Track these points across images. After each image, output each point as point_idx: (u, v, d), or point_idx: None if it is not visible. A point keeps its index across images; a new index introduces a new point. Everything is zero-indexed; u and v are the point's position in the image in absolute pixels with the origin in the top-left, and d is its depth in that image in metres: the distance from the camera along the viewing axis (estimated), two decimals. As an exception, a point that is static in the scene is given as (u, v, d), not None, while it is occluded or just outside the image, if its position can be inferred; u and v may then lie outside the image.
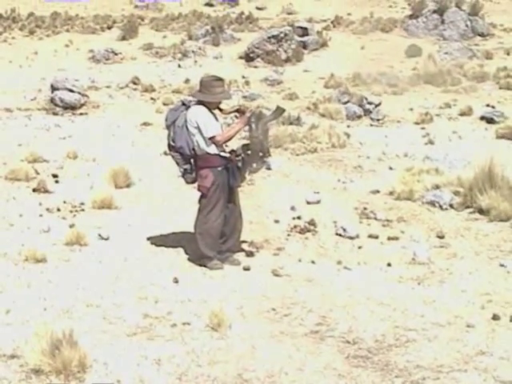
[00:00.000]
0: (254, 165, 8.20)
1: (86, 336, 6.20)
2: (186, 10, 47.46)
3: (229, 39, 33.03)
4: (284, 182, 12.25)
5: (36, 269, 8.04)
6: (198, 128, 8.00)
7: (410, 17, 37.18)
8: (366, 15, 41.68)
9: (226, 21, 41.18)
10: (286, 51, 29.12)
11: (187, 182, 8.50)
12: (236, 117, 8.41)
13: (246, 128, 8.25)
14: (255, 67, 28.28)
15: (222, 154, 8.18)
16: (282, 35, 29.41)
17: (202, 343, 6.32)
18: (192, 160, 8.23)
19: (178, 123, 8.11)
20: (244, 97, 21.88)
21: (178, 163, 8.31)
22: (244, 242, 8.91)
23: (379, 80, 24.44)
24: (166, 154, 8.47)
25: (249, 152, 8.13)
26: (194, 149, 8.10)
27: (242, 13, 44.41)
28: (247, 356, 6.10)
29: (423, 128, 17.59)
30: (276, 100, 20.39)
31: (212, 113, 8.20)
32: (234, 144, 8.77)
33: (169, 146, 8.30)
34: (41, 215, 10.14)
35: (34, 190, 11.34)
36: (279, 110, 8.37)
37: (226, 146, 8.40)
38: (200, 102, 8.17)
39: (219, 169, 8.10)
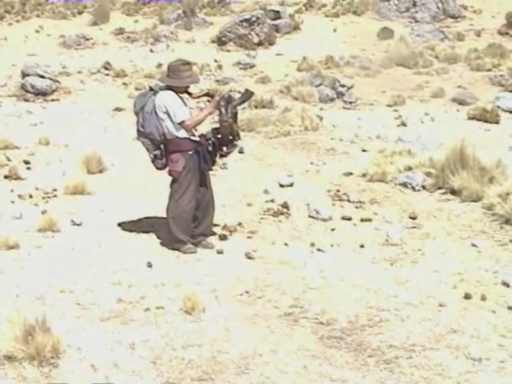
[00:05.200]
0: (225, 148, 8.21)
1: (60, 322, 6.19)
2: (158, -6, 47.04)
3: (201, 23, 32.80)
4: (257, 165, 12.25)
5: (8, 255, 7.99)
6: (167, 113, 7.97)
7: (382, -1, 37.17)
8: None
9: (198, 5, 40.91)
10: (258, 35, 29.00)
11: (157, 168, 8.43)
12: (208, 101, 8.38)
13: (216, 112, 8.23)
14: (227, 51, 28.16)
15: (192, 138, 8.16)
16: (254, 19, 29.27)
17: (175, 327, 6.32)
18: (162, 145, 8.18)
19: (146, 109, 8.07)
20: (217, 81, 21.82)
21: (148, 149, 8.26)
22: (217, 225, 8.92)
23: (352, 63, 24.49)
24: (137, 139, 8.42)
25: (219, 136, 8.13)
26: (163, 134, 8.07)
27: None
28: (221, 338, 6.12)
29: (396, 110, 17.70)
30: (249, 84, 20.36)
31: (180, 97, 8.17)
32: (205, 128, 8.75)
33: (138, 131, 8.26)
34: (13, 202, 10.07)
35: (5, 177, 11.25)
36: (248, 93, 8.37)
37: (196, 130, 8.38)
38: (168, 87, 8.14)
39: (190, 153, 8.08)
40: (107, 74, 23.46)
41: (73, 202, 10.12)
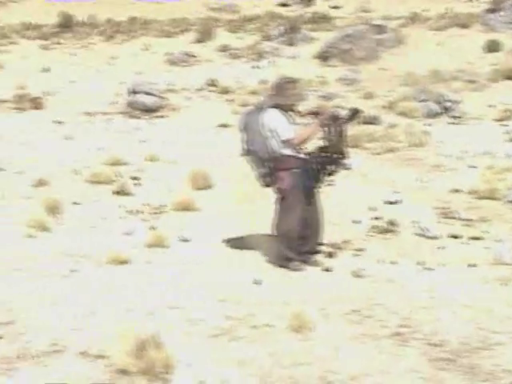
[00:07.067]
0: (331, 167, 8.17)
1: (169, 337, 6.26)
2: (261, 11, 47.56)
3: (304, 39, 32.88)
4: (363, 181, 12.17)
5: (119, 271, 8.16)
6: (272, 131, 8.02)
7: (489, 11, 36.42)
8: (443, 11, 41.07)
9: (301, 20, 41.07)
10: (361, 50, 28.89)
11: (263, 186, 8.49)
12: (315, 118, 8.37)
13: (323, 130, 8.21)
14: (331, 66, 28.14)
15: (298, 155, 8.17)
16: (357, 34, 29.19)
17: (284, 345, 6.31)
18: (268, 163, 8.23)
19: (252, 127, 8.14)
20: (320, 96, 21.80)
21: (254, 167, 8.34)
22: (323, 243, 8.88)
23: (458, 77, 24.06)
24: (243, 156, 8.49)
25: (324, 154, 8.11)
26: (269, 152, 8.11)
27: (317, 12, 44.25)
28: (330, 358, 6.07)
29: (504, 125, 17.26)
30: (353, 99, 20.28)
31: (286, 115, 8.20)
32: (313, 146, 8.74)
33: (244, 149, 8.33)
34: (122, 218, 10.30)
35: (114, 193, 11.53)
36: (355, 111, 8.32)
37: (302, 148, 8.34)
38: (274, 105, 8.18)
39: (296, 170, 8.09)
40: (212, 91, 23.81)
41: (181, 217, 10.28)
